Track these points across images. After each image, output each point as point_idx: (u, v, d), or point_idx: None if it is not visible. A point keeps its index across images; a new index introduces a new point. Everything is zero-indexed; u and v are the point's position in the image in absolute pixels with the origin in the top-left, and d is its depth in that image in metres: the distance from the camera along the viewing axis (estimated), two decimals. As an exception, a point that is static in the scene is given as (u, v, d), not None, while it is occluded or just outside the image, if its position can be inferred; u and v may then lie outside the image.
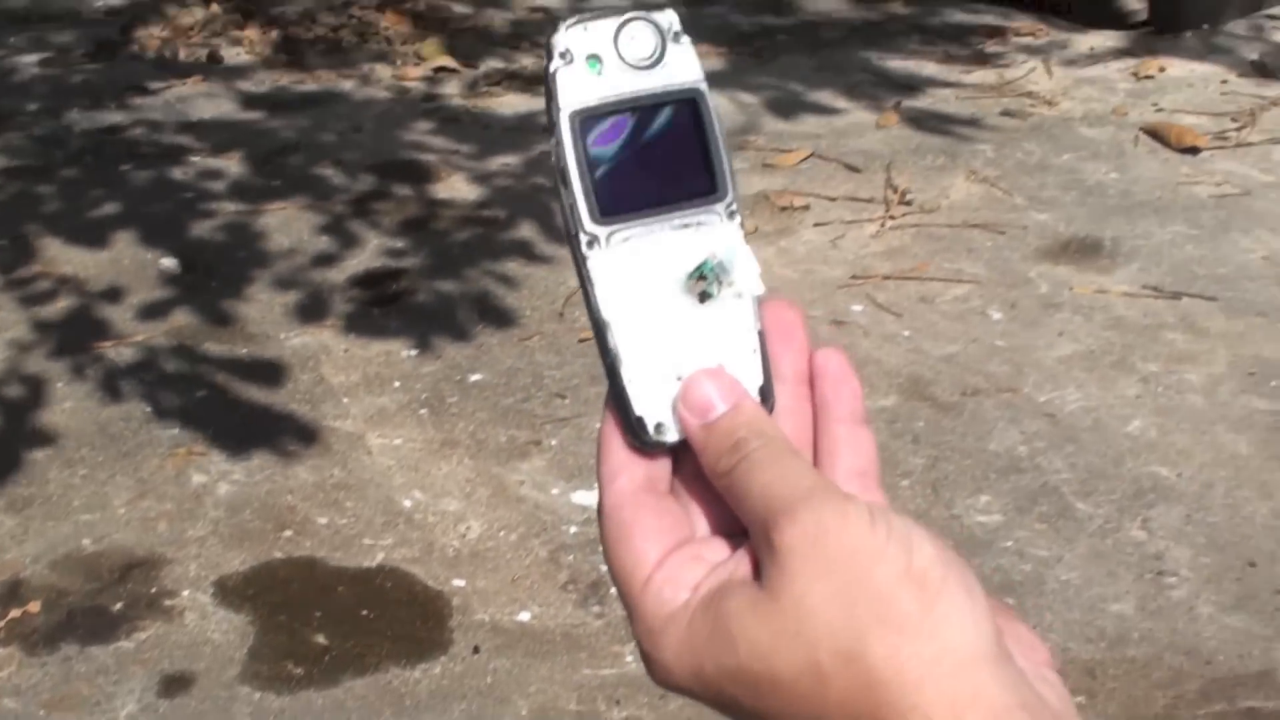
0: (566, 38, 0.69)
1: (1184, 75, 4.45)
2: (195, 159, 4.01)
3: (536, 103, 4.32)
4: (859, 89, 4.43)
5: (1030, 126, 4.09)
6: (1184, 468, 2.63)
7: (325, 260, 3.45)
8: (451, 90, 4.51)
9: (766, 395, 0.70)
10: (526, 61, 4.76)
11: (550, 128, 0.67)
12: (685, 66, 0.70)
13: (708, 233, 0.69)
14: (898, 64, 4.63)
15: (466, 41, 4.92)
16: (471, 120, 4.27)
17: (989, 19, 5.03)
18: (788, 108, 4.30)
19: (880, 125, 4.14)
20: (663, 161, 0.69)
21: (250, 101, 4.45)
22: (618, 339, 0.67)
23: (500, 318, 3.21)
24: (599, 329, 0.68)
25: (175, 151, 4.06)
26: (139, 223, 3.64)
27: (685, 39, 0.70)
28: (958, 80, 4.47)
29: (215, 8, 5.18)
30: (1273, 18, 4.97)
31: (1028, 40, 4.81)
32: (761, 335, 0.70)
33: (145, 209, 3.71)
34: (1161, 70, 4.46)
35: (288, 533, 2.56)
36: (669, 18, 0.70)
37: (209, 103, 4.44)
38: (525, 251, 3.45)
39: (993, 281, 3.29)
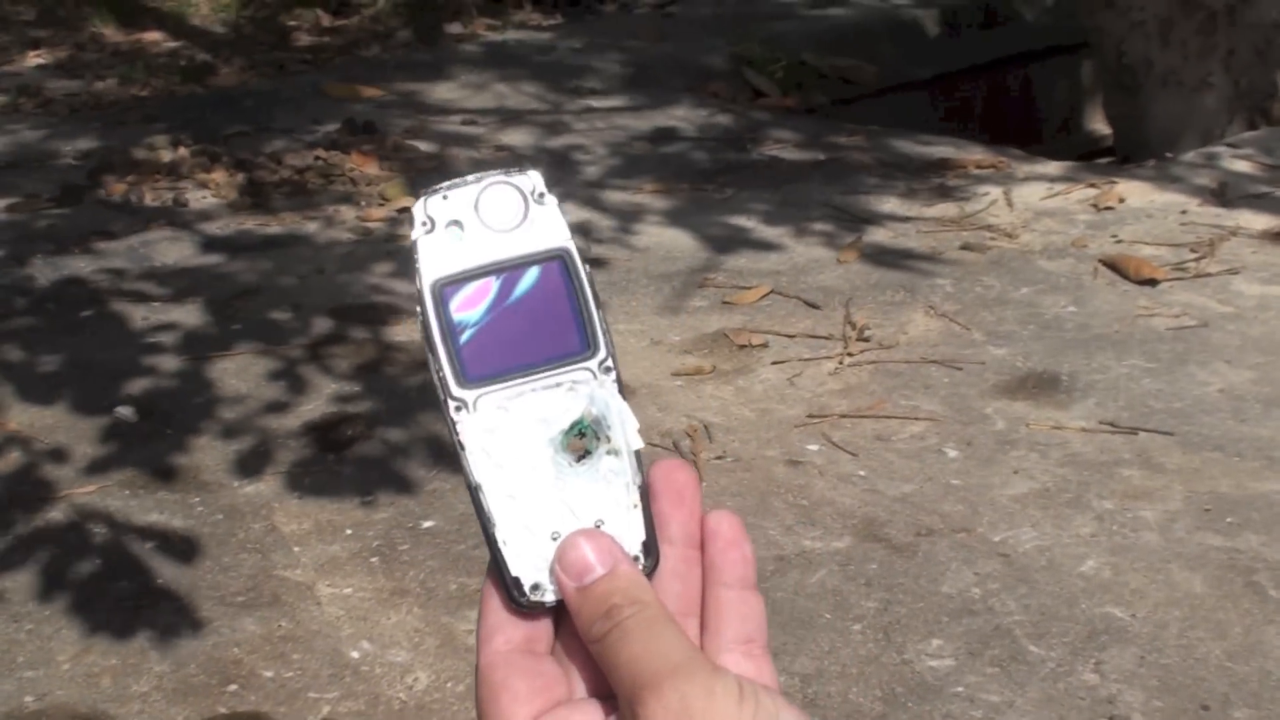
0: (427, 207, 0.69)
1: (1144, 205, 4.47)
2: (156, 304, 4.01)
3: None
4: (820, 225, 4.45)
5: (990, 260, 4.10)
6: (1138, 608, 2.60)
7: (280, 406, 3.44)
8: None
9: (649, 551, 0.69)
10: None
11: (416, 296, 0.67)
12: (550, 227, 0.70)
13: (581, 390, 0.69)
14: (859, 199, 4.66)
15: (431, 181, 4.94)
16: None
17: (950, 152, 5.07)
18: (748, 244, 4.32)
19: (840, 261, 4.16)
20: (530, 323, 0.69)
21: (213, 245, 4.46)
22: (490, 501, 0.67)
23: (454, 463, 3.18)
24: (473, 492, 0.67)
25: (136, 297, 4.06)
26: (96, 371, 3.63)
27: (550, 199, 0.70)
28: (918, 214, 4.49)
29: (183, 151, 5.21)
30: (1232, 145, 5.02)
31: (989, 172, 4.84)
32: (643, 490, 0.69)
33: (103, 356, 3.70)
34: (1121, 201, 4.49)
35: (233, 687, 2.53)
36: (532, 180, 0.70)
37: (172, 247, 4.45)
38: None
39: (949, 419, 3.29)
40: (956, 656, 2.50)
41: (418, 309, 0.69)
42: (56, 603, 2.76)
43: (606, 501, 0.69)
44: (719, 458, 3.16)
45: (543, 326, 0.69)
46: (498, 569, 0.68)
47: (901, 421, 3.29)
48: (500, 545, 0.68)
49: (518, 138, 5.56)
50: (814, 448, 3.20)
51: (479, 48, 7.08)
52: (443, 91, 6.27)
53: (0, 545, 2.95)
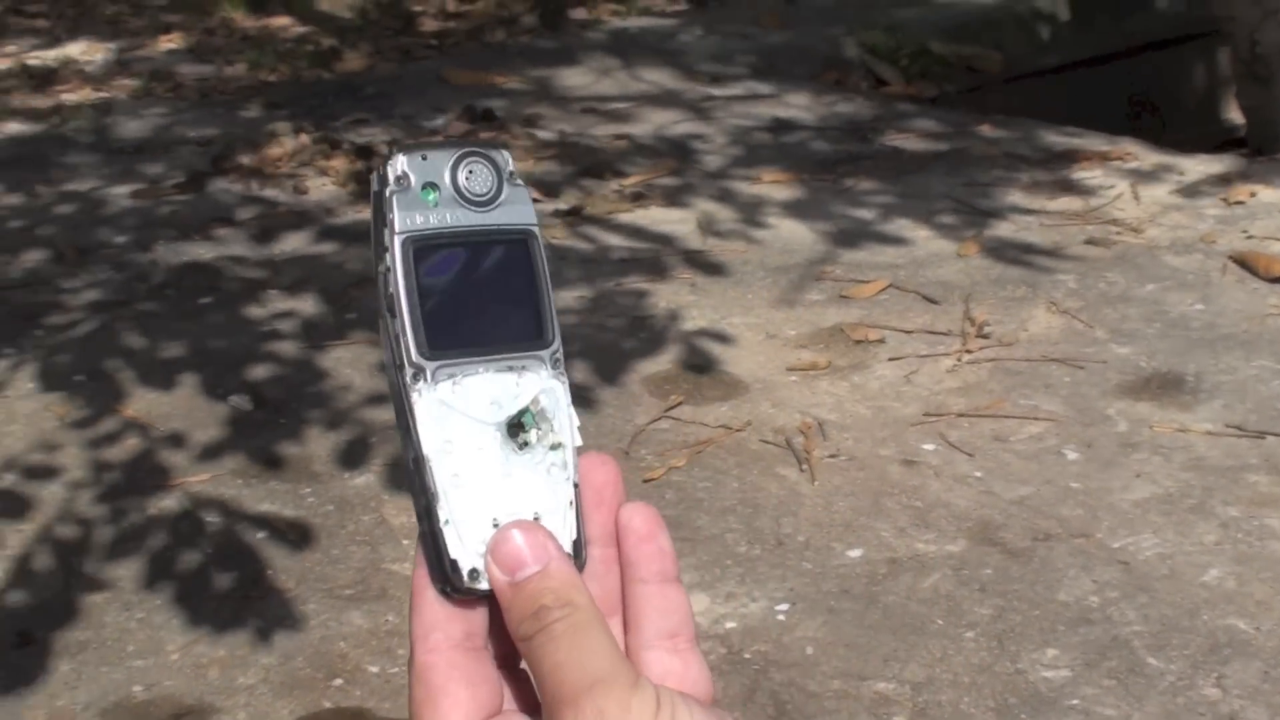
0: (404, 162, 0.67)
1: (1276, 200, 4.36)
2: (273, 291, 4.03)
3: (611, 238, 4.31)
4: (940, 217, 4.38)
5: (1115, 255, 4.02)
6: (1263, 620, 2.53)
7: (389, 398, 3.44)
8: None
9: (579, 551, 0.68)
10: (612, 189, 4.76)
11: (378, 251, 0.64)
12: (520, 208, 0.69)
13: (531, 379, 0.68)
14: (981, 191, 4.58)
15: (551, 170, 4.94)
16: (554, 249, 4.27)
17: (1076, 143, 4.97)
18: (868, 237, 4.26)
19: (961, 255, 4.09)
20: (493, 301, 0.68)
21: (331, 233, 4.48)
22: (436, 477, 0.66)
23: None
24: (418, 464, 0.66)
25: (254, 285, 4.08)
26: (212, 359, 3.65)
27: (520, 182, 0.69)
28: (1042, 207, 4.41)
29: (304, 138, 5.24)
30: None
31: (1116, 164, 4.75)
32: (577, 489, 0.68)
33: (221, 343, 3.73)
34: (1253, 195, 4.38)
35: (338, 681, 2.53)
36: (505, 157, 0.69)
37: (291, 234, 4.47)
38: (585, 396, 3.42)
39: (1069, 419, 3.22)
40: (1072, 667, 2.44)
41: (380, 266, 0.67)
42: (167, 592, 2.78)
43: (545, 494, 0.67)
44: (832, 456, 3.12)
45: (504, 307, 0.68)
46: (435, 551, 0.66)
47: (1020, 421, 3.22)
48: (441, 525, 0.66)
49: (638, 126, 5.53)
50: (930, 447, 3.15)
51: (603, 34, 7.06)
52: (565, 78, 6.26)
53: (114, 532, 2.97)
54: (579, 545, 0.67)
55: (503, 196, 0.68)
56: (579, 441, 0.68)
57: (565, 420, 0.68)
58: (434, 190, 0.67)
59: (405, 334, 0.66)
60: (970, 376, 3.43)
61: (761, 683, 2.43)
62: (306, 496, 3.07)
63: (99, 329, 3.86)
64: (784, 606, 2.63)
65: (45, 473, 3.19)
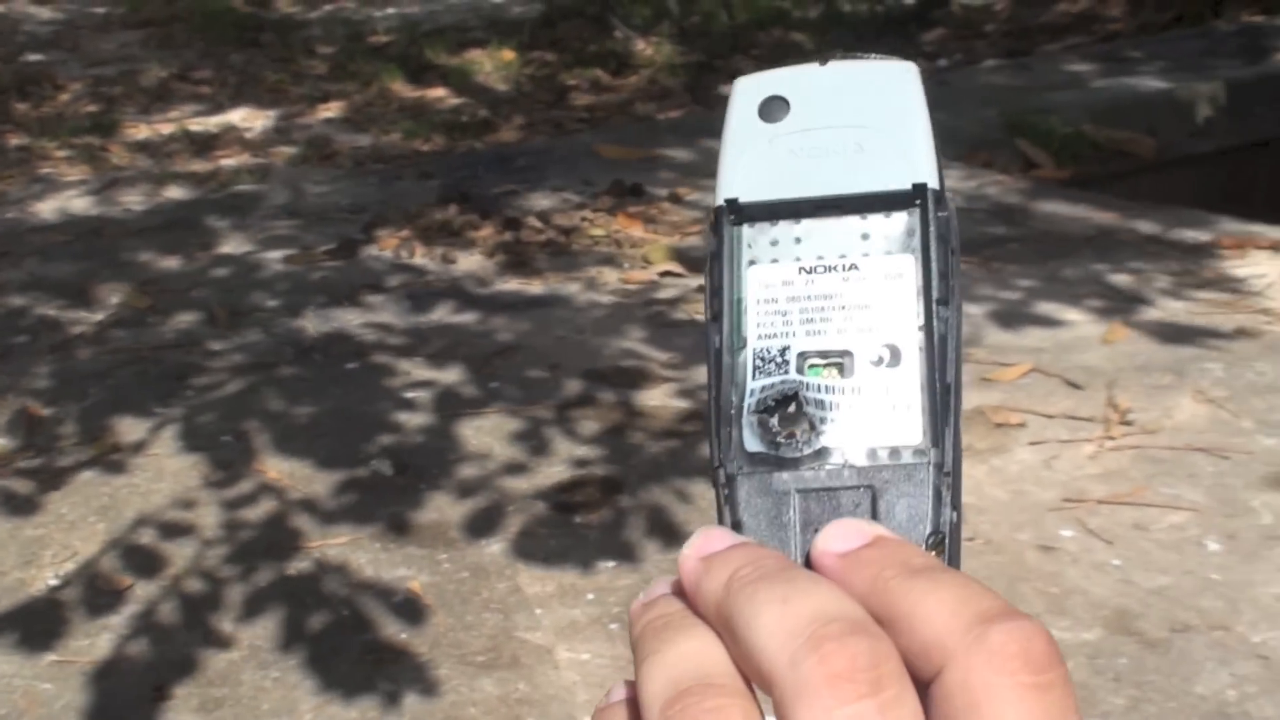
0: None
1: None
2: (418, 359, 4.09)
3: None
4: (1087, 302, 4.34)
5: (1264, 345, 3.95)
6: (1407, 722, 2.47)
7: (530, 466, 3.47)
8: (674, 296, 4.54)
9: None
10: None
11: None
12: None
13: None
14: (1129, 276, 4.54)
15: (695, 245, 4.97)
16: (691, 327, 4.29)
17: (1228, 230, 4.91)
18: (1012, 319, 4.24)
19: (1106, 340, 4.05)
20: None
21: (477, 303, 4.54)
22: None
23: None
24: None
25: (399, 352, 4.14)
26: (356, 423, 3.71)
27: None
28: (1191, 294, 4.36)
29: (454, 208, 5.32)
30: None
31: (1268, 253, 4.68)
32: None
33: (364, 409, 3.79)
34: None
35: (466, 747, 2.55)
36: None
37: (438, 303, 4.54)
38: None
39: (1212, 510, 3.17)
40: (1206, 763, 2.40)
41: None
42: (302, 652, 2.82)
43: None
44: (969, 539, 3.09)
45: None
46: None
47: (1161, 510, 3.18)
48: None
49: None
50: (1068, 533, 3.11)
51: (752, 111, 7.08)
52: (715, 154, 6.29)
53: (251, 592, 3.02)
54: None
55: None
56: None
57: None
58: None
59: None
60: (1111, 463, 3.39)
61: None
62: (442, 562, 3.11)
63: (246, 390, 3.94)
64: (914, 689, 2.61)
65: (185, 530, 3.26)
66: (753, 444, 0.58)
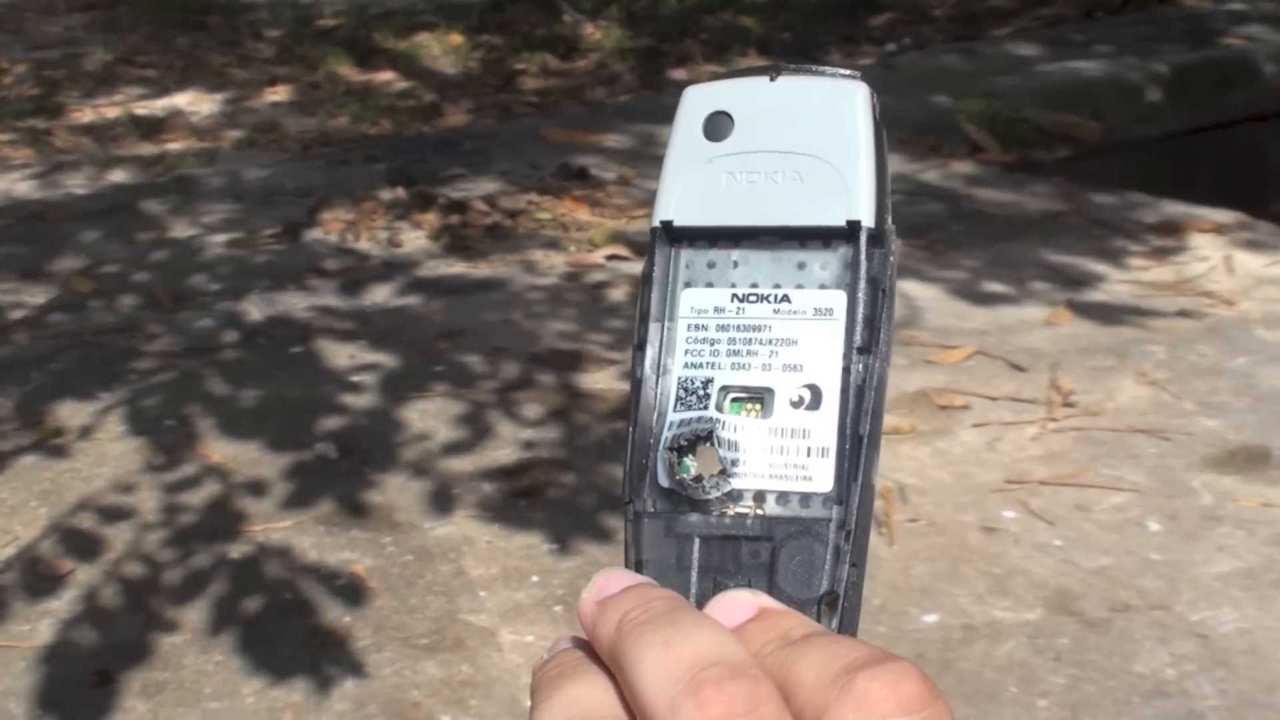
0: None
1: (1373, 276, 4.31)
2: (362, 343, 4.08)
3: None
4: (1031, 285, 4.37)
5: (1206, 327, 3.98)
6: (1342, 699, 2.49)
7: (474, 449, 3.47)
8: (619, 278, 4.53)
9: None
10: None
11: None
12: None
13: None
14: (1073, 259, 4.56)
15: (641, 229, 4.97)
16: (633, 311, 4.28)
17: (1171, 214, 4.94)
18: (957, 302, 4.26)
19: (1050, 322, 4.07)
20: None
21: (422, 286, 4.52)
22: None
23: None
24: None
25: (344, 335, 4.13)
26: (299, 406, 3.70)
27: None
28: (1134, 277, 4.38)
29: (400, 192, 5.30)
30: None
31: (1210, 236, 4.71)
32: None
33: (307, 392, 3.78)
34: (1349, 270, 4.33)
35: (409, 730, 2.55)
36: None
37: (382, 287, 4.52)
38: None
39: (1153, 490, 3.19)
40: (1144, 740, 2.41)
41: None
42: (245, 636, 2.81)
43: None
44: (912, 520, 3.11)
45: None
46: None
47: (1103, 491, 3.20)
48: None
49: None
50: (1010, 515, 3.13)
51: (700, 95, 7.07)
52: (662, 138, 6.29)
53: (194, 576, 3.01)
54: None
55: None
56: None
57: None
58: None
59: None
60: (1054, 445, 3.41)
61: (829, 745, 2.41)
62: (386, 546, 3.10)
63: (189, 374, 3.92)
64: (856, 670, 2.62)
65: (128, 514, 3.24)
66: (665, 479, 0.58)
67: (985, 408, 3.60)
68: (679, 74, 7.52)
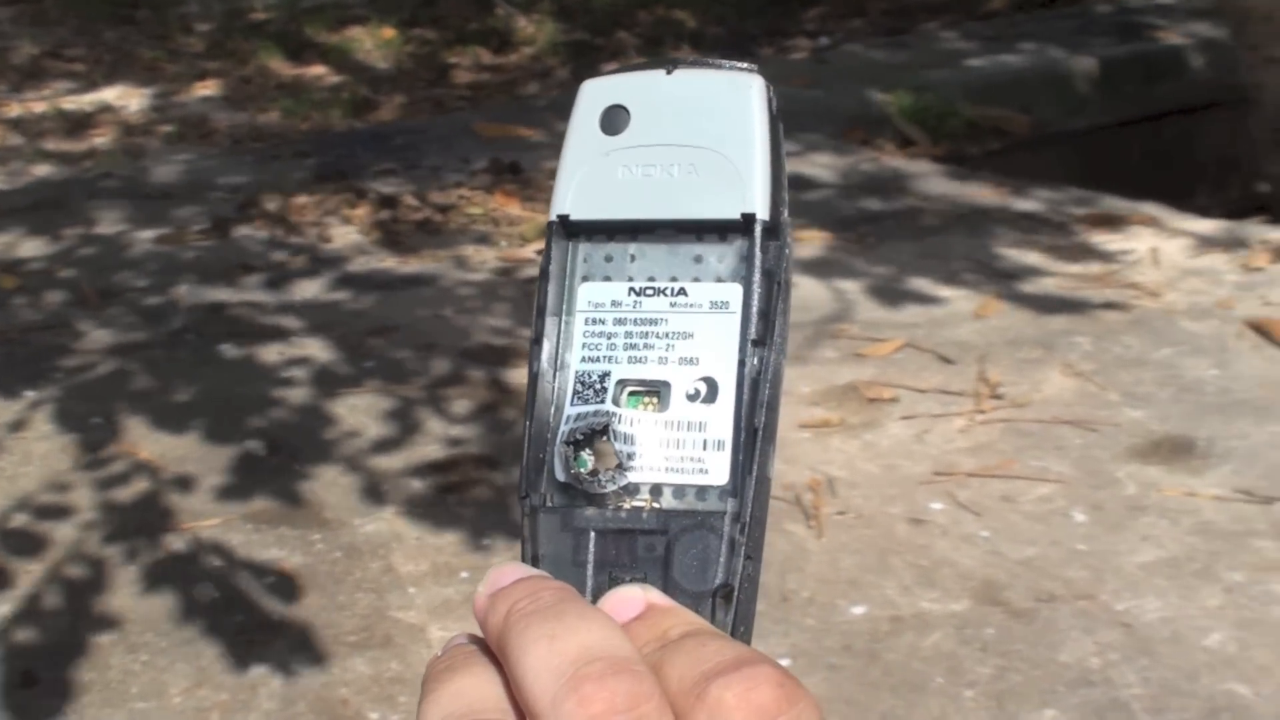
0: None
1: (1297, 267, 4.36)
2: (292, 338, 4.06)
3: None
4: (960, 277, 4.39)
5: (1131, 319, 4.02)
6: (1263, 686, 2.52)
7: (404, 445, 3.46)
8: (552, 272, 4.52)
9: None
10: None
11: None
12: None
13: None
14: (1002, 251, 4.59)
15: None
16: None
17: (1099, 206, 4.98)
18: (886, 295, 4.27)
19: (978, 315, 4.09)
20: None
21: (352, 281, 4.51)
22: None
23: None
24: None
25: (273, 331, 4.11)
26: (228, 403, 3.68)
27: None
28: (1061, 270, 4.41)
29: (330, 187, 5.28)
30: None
31: (1136, 229, 4.75)
32: None
33: (237, 389, 3.76)
34: (1272, 262, 4.37)
35: (338, 727, 2.54)
36: None
37: (311, 282, 4.51)
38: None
39: (1079, 481, 3.21)
40: (1069, 729, 2.43)
41: None
42: (173, 634, 2.80)
43: None
44: (841, 513, 3.12)
45: None
46: None
47: (1030, 482, 3.22)
48: None
49: (663, 181, 5.55)
50: (938, 506, 3.15)
51: (632, 89, 7.07)
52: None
53: (122, 574, 2.99)
54: None
55: None
56: None
57: None
58: None
59: None
60: (982, 437, 3.43)
61: (757, 738, 2.42)
62: (316, 543, 3.09)
63: (117, 371, 3.89)
64: (785, 662, 2.62)
65: (56, 513, 3.22)
66: (562, 474, 0.58)
67: (914, 400, 3.61)
68: (612, 68, 7.51)
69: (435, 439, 3.49)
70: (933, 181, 5.40)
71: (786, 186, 0.61)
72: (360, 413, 3.62)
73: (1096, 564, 2.90)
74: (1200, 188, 6.20)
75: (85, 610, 2.88)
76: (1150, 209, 4.93)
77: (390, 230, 4.92)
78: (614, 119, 0.62)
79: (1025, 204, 5.07)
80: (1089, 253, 4.56)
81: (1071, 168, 5.79)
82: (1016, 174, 5.48)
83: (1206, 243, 4.59)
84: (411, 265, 4.65)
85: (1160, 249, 4.54)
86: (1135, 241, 4.63)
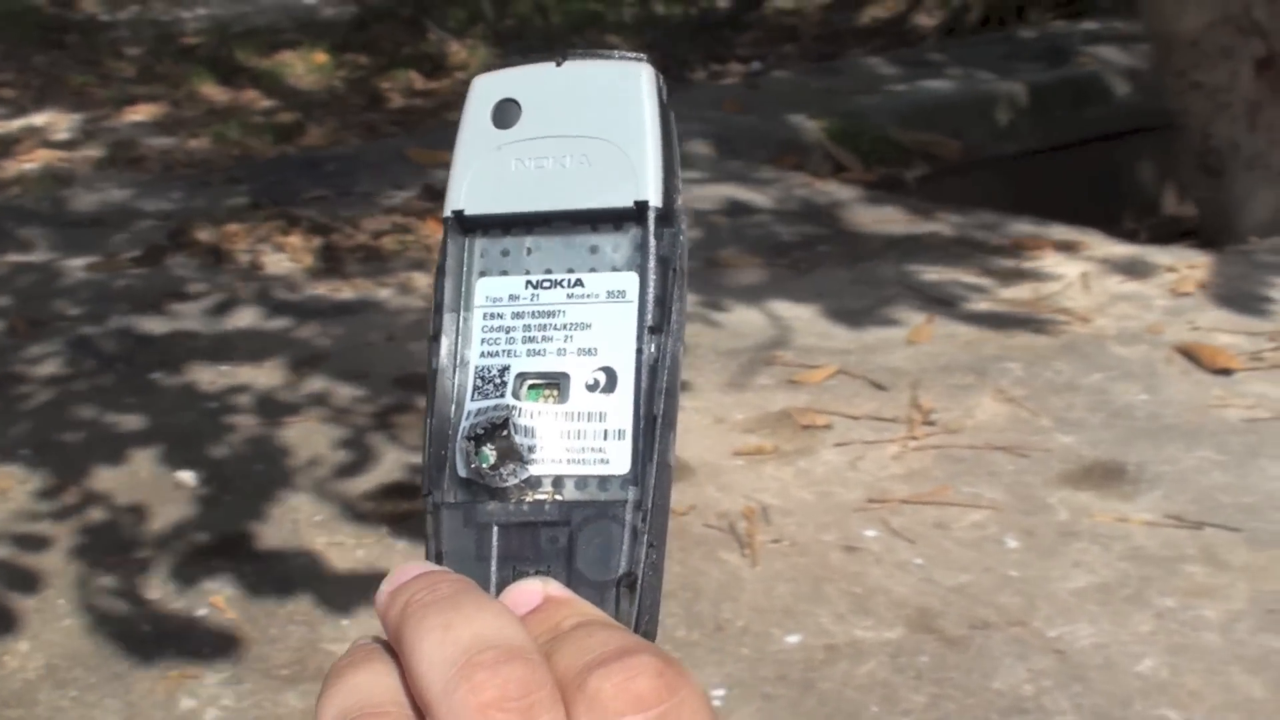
0: None
1: (1224, 292, 4.40)
2: (225, 367, 4.04)
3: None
4: (892, 304, 4.41)
5: (1062, 344, 4.05)
6: (1194, 711, 2.54)
7: (343, 474, 3.45)
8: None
9: None
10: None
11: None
12: None
13: None
14: (934, 278, 4.62)
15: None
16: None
17: (1029, 231, 5.02)
18: (819, 321, 4.29)
19: (911, 341, 4.12)
20: None
21: (286, 309, 4.49)
22: None
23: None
24: None
25: (207, 360, 4.09)
26: (162, 434, 3.65)
27: None
28: (993, 294, 4.44)
29: (262, 214, 5.25)
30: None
31: (1066, 254, 4.78)
32: None
33: (170, 420, 3.73)
34: (1200, 286, 4.42)
35: (271, 762, 2.52)
36: None
37: (245, 310, 4.48)
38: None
39: (1011, 507, 3.23)
40: (1002, 757, 2.45)
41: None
42: (102, 670, 2.77)
43: None
44: (775, 541, 3.13)
45: None
46: None
47: (962, 509, 3.24)
48: None
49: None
50: (871, 533, 3.16)
51: (565, 114, 7.08)
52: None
53: (49, 609, 2.97)
54: None
55: None
56: None
57: None
58: None
59: None
60: (915, 463, 3.45)
61: (693, 769, 2.42)
62: (248, 575, 3.07)
63: (48, 403, 3.86)
64: (720, 692, 2.64)
65: (-14, 546, 3.18)
66: (464, 470, 0.59)
67: (847, 427, 3.63)
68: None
69: (371, 467, 3.47)
70: (865, 207, 5.43)
71: (680, 174, 0.61)
72: (294, 442, 3.60)
73: (1029, 590, 2.92)
74: (1129, 212, 6.26)
75: (10, 645, 2.85)
76: (1080, 234, 4.97)
77: (324, 257, 4.90)
78: (505, 113, 0.63)
79: (956, 230, 5.11)
80: (1020, 278, 4.59)
81: (1002, 192, 5.84)
82: (948, 199, 5.52)
83: (1135, 267, 4.63)
84: (345, 293, 4.63)
85: (1090, 274, 4.58)
86: (1065, 267, 4.67)
